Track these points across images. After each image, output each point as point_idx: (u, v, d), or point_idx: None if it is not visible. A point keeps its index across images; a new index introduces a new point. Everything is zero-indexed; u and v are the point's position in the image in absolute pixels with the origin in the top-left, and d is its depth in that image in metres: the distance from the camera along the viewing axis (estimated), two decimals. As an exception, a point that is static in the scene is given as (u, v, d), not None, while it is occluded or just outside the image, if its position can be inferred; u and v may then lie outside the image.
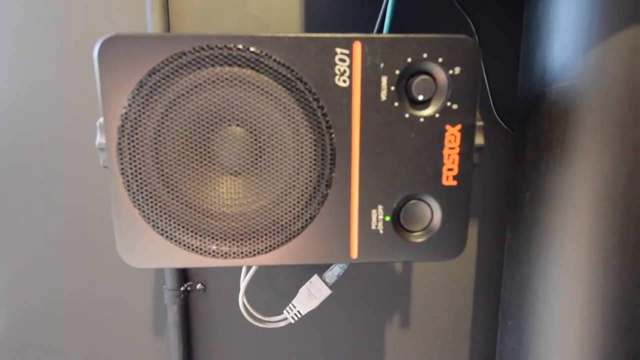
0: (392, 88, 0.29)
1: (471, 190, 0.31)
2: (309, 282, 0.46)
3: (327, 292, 0.46)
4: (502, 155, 0.52)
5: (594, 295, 0.39)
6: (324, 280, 0.46)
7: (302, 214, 0.31)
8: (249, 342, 0.56)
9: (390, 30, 0.40)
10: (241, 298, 0.46)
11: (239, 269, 0.46)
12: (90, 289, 0.53)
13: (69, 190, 0.50)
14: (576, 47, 0.37)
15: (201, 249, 0.31)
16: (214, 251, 0.31)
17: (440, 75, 0.29)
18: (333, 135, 0.30)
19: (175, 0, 0.47)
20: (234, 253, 0.31)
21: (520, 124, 0.44)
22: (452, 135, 0.30)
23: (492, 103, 0.49)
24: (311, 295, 0.47)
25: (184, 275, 0.53)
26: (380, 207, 0.31)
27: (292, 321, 0.46)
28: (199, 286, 0.54)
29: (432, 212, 0.32)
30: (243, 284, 0.45)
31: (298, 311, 0.46)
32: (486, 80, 0.48)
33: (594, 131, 0.37)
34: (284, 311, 0.47)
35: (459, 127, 0.30)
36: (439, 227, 0.32)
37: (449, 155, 0.30)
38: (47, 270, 0.52)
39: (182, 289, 0.52)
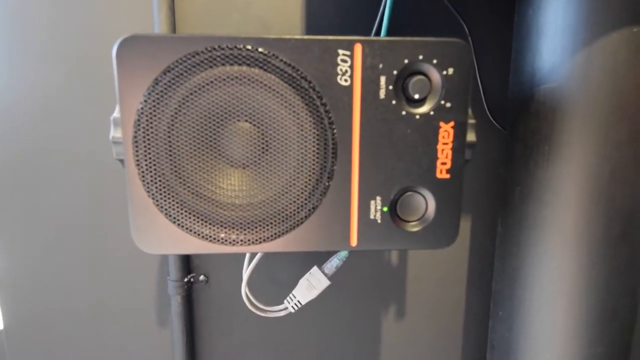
0: (390, 87, 0.31)
1: (463, 182, 0.33)
2: (308, 273, 0.47)
3: (326, 283, 0.47)
4: (494, 153, 0.54)
5: (580, 285, 0.41)
6: (323, 272, 0.47)
7: (306, 204, 0.33)
8: (250, 331, 0.57)
9: (388, 32, 0.42)
10: (244, 288, 0.48)
11: (240, 261, 0.47)
12: (95, 280, 0.54)
13: (74, 182, 0.51)
14: (563, 51, 0.39)
15: (211, 237, 0.33)
16: (223, 239, 0.33)
17: (435, 75, 0.31)
18: (335, 131, 0.32)
19: (181, 0, 0.48)
20: (241, 240, 0.33)
21: (511, 122, 0.46)
22: (446, 131, 0.32)
23: (485, 103, 0.51)
24: (311, 286, 0.48)
25: (187, 266, 0.54)
26: (378, 198, 0.33)
27: (292, 310, 0.48)
28: (201, 277, 0.55)
29: (426, 203, 0.34)
30: (246, 274, 0.47)
31: (298, 301, 0.48)
32: (479, 81, 0.50)
33: (579, 130, 0.39)
34: (285, 301, 0.48)
35: (452, 124, 0.32)
36: (433, 217, 0.34)
37: (443, 150, 0.32)
38: (52, 262, 0.54)
39: (185, 280, 0.54)
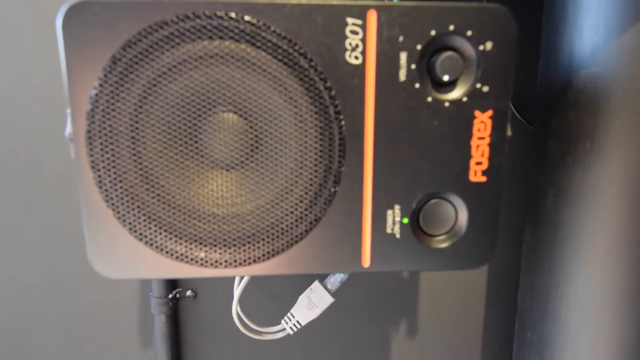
0: (413, 66, 0.25)
1: (502, 187, 0.27)
2: (309, 289, 0.43)
3: (329, 300, 0.43)
4: (519, 151, 0.48)
5: (628, 305, 0.36)
6: (325, 287, 0.42)
7: (306, 215, 0.27)
8: (243, 354, 0.53)
9: None
10: (235, 307, 0.43)
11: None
12: (73, 298, 0.50)
13: (49, 192, 0.47)
14: (608, 29, 0.34)
15: (187, 257, 0.27)
16: (202, 259, 0.27)
17: (469, 51, 0.25)
18: (343, 123, 0.25)
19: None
20: (226, 261, 0.27)
21: (542, 115, 0.42)
22: (482, 122, 0.26)
23: (509, 93, 0.46)
24: (312, 304, 0.44)
25: (172, 281, 0.50)
26: (397, 208, 0.27)
27: (291, 332, 0.43)
28: (189, 293, 0.51)
29: (456, 212, 0.28)
30: (237, 291, 0.42)
31: (297, 321, 0.43)
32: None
33: (627, 122, 0.34)
34: (282, 321, 0.43)
35: (489, 113, 0.26)
36: (465, 230, 0.28)
37: (478, 146, 0.26)
38: (27, 278, 0.49)
39: (170, 296, 0.49)
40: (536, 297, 0.44)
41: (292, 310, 0.43)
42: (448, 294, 0.53)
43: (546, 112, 0.41)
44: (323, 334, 0.52)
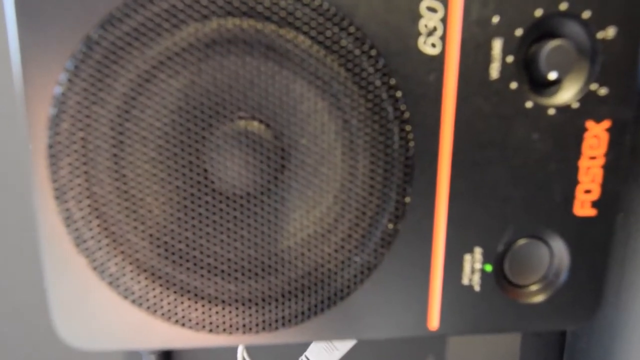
0: (509, 59, 0.18)
1: (616, 224, 0.20)
2: None
3: (351, 340, 0.36)
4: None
5: None
6: None
7: (354, 261, 0.20)
8: (248, 402, 0.46)
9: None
10: (240, 349, 0.37)
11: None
12: (50, 337, 0.42)
13: (21, 215, 0.39)
14: None
15: (191, 320, 0.19)
16: (212, 323, 0.19)
17: (583, 39, 0.18)
18: (410, 136, 0.18)
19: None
20: (243, 326, 0.19)
21: None
22: (595, 137, 0.19)
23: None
24: (331, 346, 0.38)
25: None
26: (477, 251, 0.20)
27: None
28: None
29: (552, 255, 0.21)
30: None
31: None
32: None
33: None
34: None
35: (607, 124, 0.19)
36: (565, 278, 0.21)
37: (588, 168, 0.19)
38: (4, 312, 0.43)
39: None
40: (596, 335, 0.38)
41: (306, 353, 0.36)
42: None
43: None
44: (343, 379, 0.46)
